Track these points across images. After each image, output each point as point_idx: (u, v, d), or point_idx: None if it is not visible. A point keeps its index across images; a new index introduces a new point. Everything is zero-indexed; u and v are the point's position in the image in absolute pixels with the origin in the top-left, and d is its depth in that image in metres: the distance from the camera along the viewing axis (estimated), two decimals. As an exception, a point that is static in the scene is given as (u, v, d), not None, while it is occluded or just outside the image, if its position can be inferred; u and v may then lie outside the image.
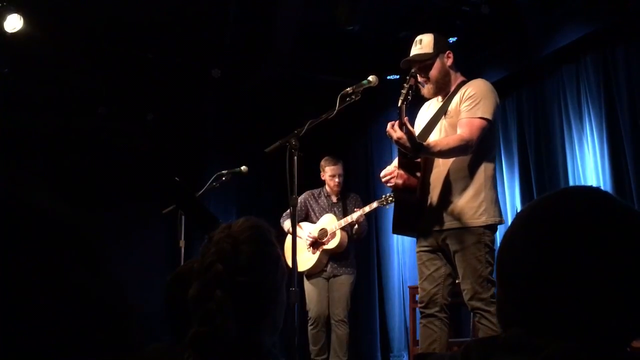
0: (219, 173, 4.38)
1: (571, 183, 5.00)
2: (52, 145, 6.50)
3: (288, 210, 4.80)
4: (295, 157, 3.05)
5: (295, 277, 2.87)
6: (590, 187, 0.93)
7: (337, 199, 5.04)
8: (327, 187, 5.06)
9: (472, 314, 2.95)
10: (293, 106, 6.33)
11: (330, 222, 4.86)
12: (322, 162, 5.04)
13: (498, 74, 5.63)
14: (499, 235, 5.54)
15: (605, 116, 4.79)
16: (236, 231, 1.29)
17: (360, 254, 6.90)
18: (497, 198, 3.06)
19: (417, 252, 3.17)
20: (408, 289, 5.69)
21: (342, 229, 4.78)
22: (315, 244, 4.83)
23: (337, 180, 4.95)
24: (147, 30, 5.48)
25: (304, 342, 4.99)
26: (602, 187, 4.66)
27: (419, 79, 3.05)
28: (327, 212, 4.98)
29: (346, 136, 6.99)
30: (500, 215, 3.05)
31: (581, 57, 5.05)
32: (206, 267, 1.24)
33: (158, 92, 6.41)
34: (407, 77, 2.83)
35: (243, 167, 4.39)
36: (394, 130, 2.79)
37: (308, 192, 5.06)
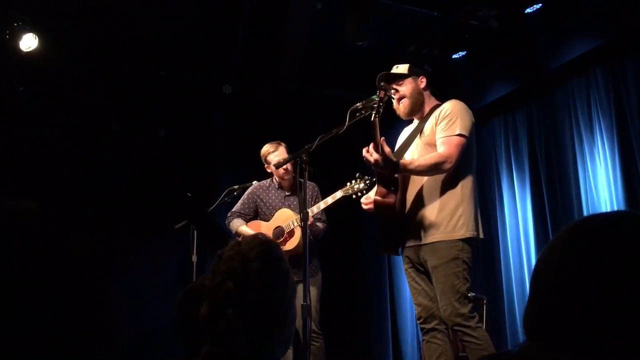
0: (230, 188, 4.41)
1: (583, 196, 4.97)
2: (66, 161, 6.57)
3: (234, 208, 4.35)
4: (306, 172, 3.07)
5: (307, 291, 2.86)
6: None
7: (292, 191, 4.31)
8: (275, 178, 4.34)
9: (455, 332, 2.95)
10: (303, 121, 6.37)
11: (286, 218, 4.10)
12: (263, 152, 4.31)
13: (507, 88, 5.64)
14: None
15: (617, 128, 4.77)
16: (245, 249, 1.31)
17: (372, 267, 6.92)
18: (477, 214, 3.06)
19: (405, 269, 3.18)
20: (420, 303, 5.66)
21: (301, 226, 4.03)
22: None
23: (284, 168, 4.17)
24: (159, 48, 5.55)
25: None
26: (614, 200, 4.65)
27: (393, 93, 3.15)
28: (280, 207, 4.23)
29: (355, 152, 7.00)
30: (479, 230, 3.05)
31: (591, 70, 5.05)
32: (217, 285, 1.25)
33: (170, 108, 6.48)
34: (377, 91, 2.87)
35: (254, 182, 4.42)
36: (370, 154, 2.83)
37: (255, 184, 4.42)
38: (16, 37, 4.92)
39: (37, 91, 5.78)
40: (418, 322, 3.14)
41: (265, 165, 4.35)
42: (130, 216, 6.63)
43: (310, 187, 4.25)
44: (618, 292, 0.82)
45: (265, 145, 4.33)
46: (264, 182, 4.41)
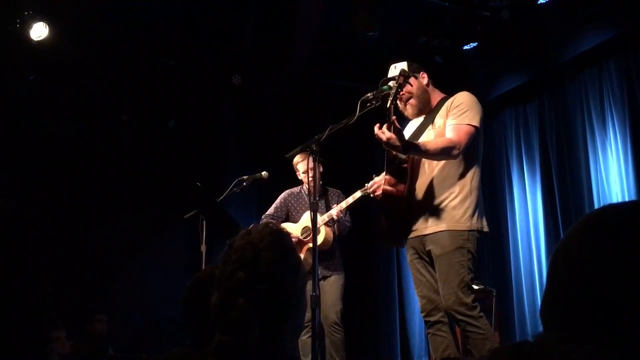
0: (239, 178, 4.41)
1: (594, 189, 4.94)
2: (75, 151, 6.60)
3: (268, 211, 4.73)
4: (317, 163, 3.06)
5: (316, 281, 2.87)
6: None
7: (319, 196, 4.53)
8: (305, 185, 4.69)
9: (456, 322, 2.92)
10: (313, 112, 6.36)
11: None
12: (294, 160, 4.61)
13: (519, 79, 5.60)
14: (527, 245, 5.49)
15: (629, 121, 4.72)
16: (256, 238, 1.29)
17: (380, 260, 6.92)
18: (482, 207, 3.06)
19: (409, 261, 3.15)
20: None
21: (326, 224, 4.41)
22: (298, 244, 4.44)
23: (310, 176, 4.46)
24: (169, 39, 5.55)
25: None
26: (626, 193, 4.61)
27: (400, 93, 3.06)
28: (307, 210, 4.51)
29: (366, 142, 6.98)
30: (485, 223, 3.03)
31: (604, 62, 5.00)
32: (228, 275, 1.24)
33: (180, 98, 6.48)
34: (397, 77, 2.84)
35: (263, 173, 4.41)
36: (382, 132, 2.79)
37: (287, 191, 4.79)
38: (27, 26, 4.93)
39: (47, 80, 5.80)
40: (422, 314, 3.11)
41: (297, 173, 4.67)
42: (140, 206, 6.66)
43: (335, 192, 4.68)
44: (637, 282, 0.81)
45: (297, 155, 4.48)
46: (295, 189, 4.77)
